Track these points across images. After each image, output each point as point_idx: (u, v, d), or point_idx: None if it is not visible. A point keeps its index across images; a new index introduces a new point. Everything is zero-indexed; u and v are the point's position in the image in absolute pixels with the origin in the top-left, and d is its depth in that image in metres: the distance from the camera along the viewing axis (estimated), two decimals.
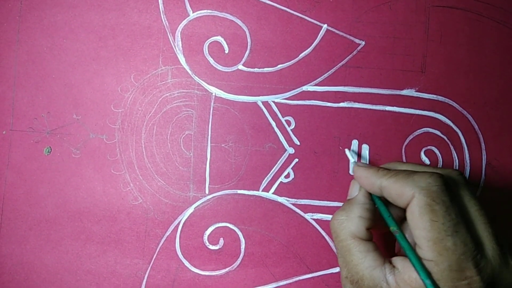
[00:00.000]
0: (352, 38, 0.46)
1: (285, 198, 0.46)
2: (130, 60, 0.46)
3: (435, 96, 0.45)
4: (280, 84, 0.46)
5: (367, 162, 0.46)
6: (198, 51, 0.46)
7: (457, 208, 0.33)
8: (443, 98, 0.45)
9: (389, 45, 0.46)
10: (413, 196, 0.33)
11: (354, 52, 0.46)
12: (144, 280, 0.45)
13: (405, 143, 0.45)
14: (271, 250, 0.45)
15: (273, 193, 0.46)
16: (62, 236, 0.46)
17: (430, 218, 0.32)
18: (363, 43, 0.46)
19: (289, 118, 0.46)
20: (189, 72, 0.46)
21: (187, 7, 0.46)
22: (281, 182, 0.46)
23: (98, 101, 0.46)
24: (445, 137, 0.45)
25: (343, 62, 0.46)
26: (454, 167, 0.45)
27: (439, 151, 0.45)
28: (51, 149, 0.46)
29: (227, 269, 0.45)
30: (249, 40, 0.46)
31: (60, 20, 0.46)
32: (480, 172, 0.45)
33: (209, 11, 0.46)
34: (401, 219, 0.38)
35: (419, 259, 0.33)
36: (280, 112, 0.46)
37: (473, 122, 0.45)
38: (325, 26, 0.46)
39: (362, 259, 0.35)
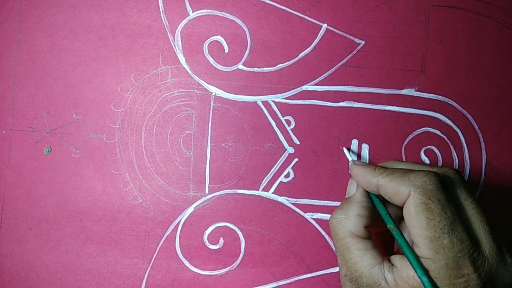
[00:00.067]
0: (352, 37, 0.46)
1: (285, 197, 0.46)
2: (130, 60, 0.46)
3: (435, 95, 0.46)
4: (280, 84, 0.46)
5: (367, 162, 0.46)
6: (198, 51, 0.46)
7: (454, 206, 0.33)
8: (443, 97, 0.46)
9: (389, 44, 0.46)
10: (409, 195, 0.34)
11: (354, 52, 0.46)
12: (144, 280, 0.46)
13: (405, 143, 0.46)
14: (271, 249, 0.46)
15: (273, 193, 0.46)
16: (62, 235, 0.46)
17: (426, 216, 0.33)
18: (363, 42, 0.46)
19: (289, 117, 0.46)
20: (189, 71, 0.46)
21: (187, 6, 0.46)
22: (281, 181, 0.46)
23: (98, 100, 0.46)
24: (445, 137, 0.46)
25: (343, 62, 0.46)
26: (454, 167, 0.46)
27: (439, 151, 0.46)
28: (51, 149, 0.47)
29: (227, 269, 0.46)
30: (249, 39, 0.46)
31: (60, 19, 0.47)
32: (480, 171, 0.46)
33: (209, 10, 0.46)
34: (400, 218, 0.38)
35: (416, 257, 0.33)
36: (280, 111, 0.46)
37: (473, 122, 0.46)
38: (325, 25, 0.46)
39: (360, 257, 0.36)
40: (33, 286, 0.46)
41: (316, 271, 0.46)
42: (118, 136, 0.47)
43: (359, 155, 0.46)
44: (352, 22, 0.46)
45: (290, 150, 0.46)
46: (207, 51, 0.46)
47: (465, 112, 0.46)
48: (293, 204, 0.46)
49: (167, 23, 0.47)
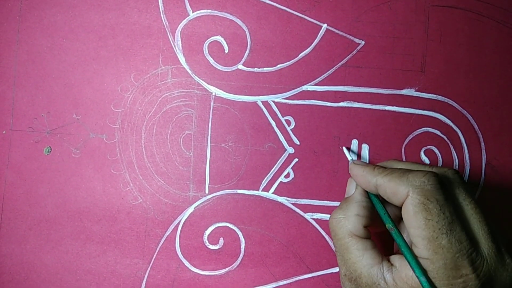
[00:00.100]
0: (351, 37, 0.46)
1: (285, 197, 0.46)
2: (130, 60, 0.47)
3: (434, 95, 0.46)
4: (280, 84, 0.46)
5: (367, 162, 0.46)
6: (198, 51, 0.47)
7: (452, 206, 0.34)
8: (443, 97, 0.46)
9: (388, 44, 0.46)
10: (407, 195, 0.34)
11: (354, 52, 0.46)
12: (144, 280, 0.46)
13: (405, 143, 0.46)
14: (271, 250, 0.46)
15: (273, 193, 0.46)
16: (62, 236, 0.46)
17: (424, 217, 0.33)
18: (363, 42, 0.46)
19: (289, 117, 0.46)
20: (189, 71, 0.47)
21: (187, 6, 0.47)
22: (281, 181, 0.46)
23: (98, 100, 0.47)
24: (445, 137, 0.46)
25: (342, 62, 0.46)
26: (454, 167, 0.46)
27: (439, 151, 0.46)
28: (51, 149, 0.47)
29: (227, 269, 0.46)
30: (249, 39, 0.47)
31: (60, 19, 0.47)
32: (480, 171, 0.46)
33: (209, 10, 0.47)
34: (399, 218, 0.39)
35: (415, 257, 0.34)
36: (280, 111, 0.46)
37: (472, 122, 0.46)
38: (324, 25, 0.46)
39: (360, 257, 0.36)
40: (33, 286, 0.46)
41: (316, 271, 0.46)
42: (118, 136, 0.47)
43: (359, 155, 0.46)
44: (352, 22, 0.46)
45: (290, 150, 0.47)
46: (207, 51, 0.47)
47: (465, 112, 0.46)
48: (293, 204, 0.46)
49: (167, 23, 0.47)
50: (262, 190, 0.47)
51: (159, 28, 0.47)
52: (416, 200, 0.33)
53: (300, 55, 0.47)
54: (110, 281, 0.46)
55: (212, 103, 0.47)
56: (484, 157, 0.46)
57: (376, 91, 0.46)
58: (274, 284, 0.46)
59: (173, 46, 0.47)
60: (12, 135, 0.47)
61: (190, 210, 0.47)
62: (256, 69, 0.47)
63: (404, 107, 0.46)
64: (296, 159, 0.47)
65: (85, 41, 0.47)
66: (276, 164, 0.47)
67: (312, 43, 0.47)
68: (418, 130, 0.46)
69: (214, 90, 0.47)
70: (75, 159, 0.47)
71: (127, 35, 0.47)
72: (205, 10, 0.47)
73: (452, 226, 0.33)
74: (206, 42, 0.47)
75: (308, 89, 0.47)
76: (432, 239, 0.32)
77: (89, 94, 0.47)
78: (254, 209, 0.46)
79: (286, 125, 0.47)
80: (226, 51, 0.47)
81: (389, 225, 0.37)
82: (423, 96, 0.46)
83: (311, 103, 0.47)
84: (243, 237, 0.46)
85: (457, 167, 0.46)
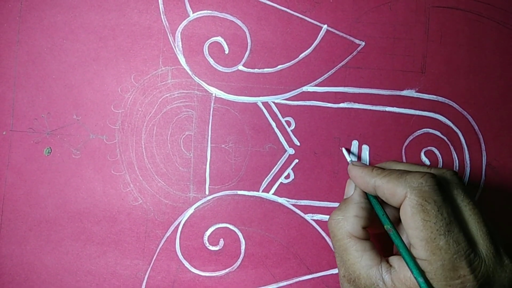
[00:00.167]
0: (352, 38, 0.47)
1: (285, 198, 0.47)
2: (130, 61, 0.47)
3: (435, 96, 0.46)
4: (280, 85, 0.47)
5: (367, 163, 0.47)
6: (198, 52, 0.47)
7: (450, 207, 0.34)
8: (443, 98, 0.46)
9: (389, 45, 0.46)
10: (405, 196, 0.34)
11: (354, 53, 0.47)
12: (144, 281, 0.47)
13: (405, 144, 0.46)
14: (271, 251, 0.46)
15: (273, 194, 0.47)
16: (62, 236, 0.47)
17: (422, 218, 0.33)
18: (363, 43, 0.47)
19: (289, 118, 0.47)
20: (189, 72, 0.47)
21: (187, 7, 0.47)
22: (281, 182, 0.47)
23: (98, 101, 0.47)
24: (445, 138, 0.46)
25: (343, 63, 0.47)
26: (454, 168, 0.46)
27: (439, 152, 0.46)
28: (51, 150, 0.47)
29: (227, 270, 0.46)
30: (249, 40, 0.47)
31: (60, 20, 0.47)
32: (480, 172, 0.46)
33: (209, 11, 0.47)
34: (398, 219, 0.39)
35: (413, 258, 0.34)
36: (280, 112, 0.47)
37: (473, 123, 0.46)
38: (325, 26, 0.47)
39: (358, 258, 0.36)
40: (33, 287, 0.47)
41: (316, 272, 0.46)
42: (118, 137, 0.47)
43: (359, 156, 0.47)
44: (352, 23, 0.47)
45: (290, 151, 0.47)
46: (207, 52, 0.47)
47: (465, 113, 0.46)
48: (293, 205, 0.47)
49: (167, 24, 0.47)
50: (262, 191, 0.47)
51: (159, 29, 0.47)
52: (413, 201, 0.34)
53: (301, 56, 0.47)
54: (110, 282, 0.47)
55: (212, 104, 0.47)
56: (484, 158, 0.46)
57: (376, 92, 0.47)
58: (274, 285, 0.46)
59: (173, 47, 0.47)
60: (12, 136, 0.47)
61: (190, 211, 0.47)
62: (256, 70, 0.47)
63: (405, 108, 0.47)
64: (297, 160, 0.47)
65: (85, 42, 0.47)
66: (277, 165, 0.47)
67: (312, 44, 0.47)
68: (418, 131, 0.46)
69: (214, 91, 0.47)
70: (75, 160, 0.47)
71: (127, 36, 0.47)
72: (205, 11, 0.47)
73: (450, 227, 0.33)
74: (206, 43, 0.47)
75: (309, 90, 0.47)
76: (430, 240, 0.33)
77: (89, 95, 0.47)
78: (254, 210, 0.47)
79: (286, 126, 0.47)
80: (226, 52, 0.47)
81: (387, 226, 0.37)
82: (424, 97, 0.46)
83: (312, 104, 0.47)
84: (243, 238, 0.47)
85: (457, 168, 0.46)
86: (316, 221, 0.47)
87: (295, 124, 0.47)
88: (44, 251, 0.47)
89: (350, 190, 0.41)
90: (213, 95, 0.47)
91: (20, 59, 0.47)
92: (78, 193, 0.47)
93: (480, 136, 0.46)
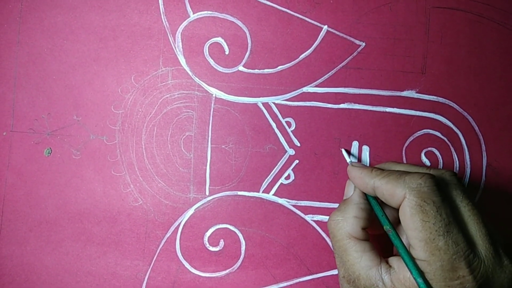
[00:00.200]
0: (352, 39, 0.47)
1: (286, 199, 0.47)
2: (131, 61, 0.47)
3: (435, 97, 0.47)
4: (281, 85, 0.47)
5: (368, 164, 0.47)
6: (199, 52, 0.47)
7: (449, 208, 0.34)
8: (444, 99, 0.46)
9: (389, 46, 0.47)
10: (404, 197, 0.34)
11: (355, 53, 0.47)
12: (145, 282, 0.47)
13: (406, 145, 0.47)
14: (271, 251, 0.47)
15: (273, 195, 0.47)
16: (62, 237, 0.47)
17: (421, 219, 0.33)
18: (364, 44, 0.47)
19: (290, 119, 0.47)
20: (190, 73, 0.47)
21: (187, 8, 0.47)
22: (281, 183, 0.47)
23: (99, 102, 0.47)
24: (445, 139, 0.47)
25: (343, 63, 0.47)
26: (455, 169, 0.47)
27: (440, 153, 0.47)
28: (51, 150, 0.47)
29: (227, 271, 0.47)
30: (249, 41, 0.47)
31: (60, 21, 0.47)
32: (480, 173, 0.46)
33: (209, 12, 0.47)
34: (398, 220, 0.39)
35: (412, 258, 0.34)
36: (280, 113, 0.47)
37: (473, 124, 0.46)
38: (325, 27, 0.47)
39: (358, 259, 0.36)
40: None
41: (316, 273, 0.47)
42: (119, 137, 0.47)
43: (359, 157, 0.47)
44: (353, 24, 0.47)
45: (291, 152, 0.47)
46: (207, 53, 0.47)
47: (465, 114, 0.47)
48: (293, 206, 0.47)
49: (167, 25, 0.47)
50: (263, 192, 0.47)
51: (159, 29, 0.47)
52: (412, 202, 0.34)
53: (301, 56, 0.47)
54: (111, 282, 0.47)
55: (212, 105, 0.47)
56: (484, 159, 0.47)
57: (376, 93, 0.47)
58: (275, 286, 0.47)
59: (174, 47, 0.47)
60: (12, 137, 0.47)
61: (190, 211, 0.47)
62: (256, 71, 0.47)
63: (405, 108, 0.47)
64: (297, 161, 0.47)
65: (86, 42, 0.47)
66: (277, 166, 0.47)
67: (312, 44, 0.47)
68: (418, 132, 0.47)
69: (215, 92, 0.47)
70: (75, 161, 0.47)
71: (127, 36, 0.47)
72: (205, 12, 0.47)
73: (449, 228, 0.33)
74: (206, 44, 0.47)
75: (309, 90, 0.47)
76: (429, 241, 0.33)
77: (89, 95, 0.47)
78: (255, 211, 0.47)
79: (286, 127, 0.47)
80: (227, 52, 0.47)
81: (386, 227, 0.37)
82: (424, 98, 0.47)
83: (312, 105, 0.47)
84: (244, 238, 0.47)
85: (457, 169, 0.47)
86: (316, 222, 0.47)
87: (296, 124, 0.47)
88: (44, 251, 0.47)
89: (350, 191, 0.41)
90: (213, 95, 0.47)
91: (21, 60, 0.48)
92: (78, 194, 0.47)
93: (481, 137, 0.47)
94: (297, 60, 0.47)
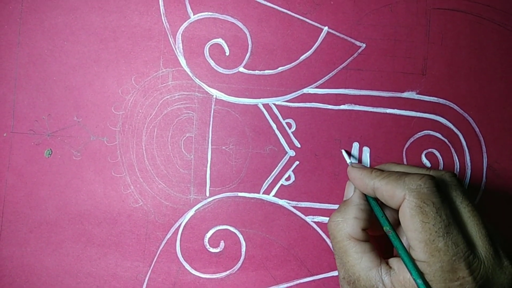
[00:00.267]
0: (352, 40, 0.47)
1: (286, 200, 0.47)
2: (131, 62, 0.47)
3: (436, 98, 0.47)
4: (281, 87, 0.47)
5: (368, 165, 0.47)
6: (199, 54, 0.47)
7: (449, 209, 0.34)
8: (444, 100, 0.47)
9: (390, 47, 0.47)
10: (404, 198, 0.35)
11: (355, 55, 0.47)
12: (145, 283, 0.47)
13: (406, 146, 0.47)
14: (271, 253, 0.47)
15: (273, 196, 0.47)
16: (62, 238, 0.47)
17: (421, 220, 0.34)
18: (364, 45, 0.47)
19: (290, 120, 0.47)
20: (190, 74, 0.47)
21: (188, 9, 0.47)
22: (281, 184, 0.47)
23: (99, 103, 0.47)
24: (446, 140, 0.47)
25: (343, 65, 0.47)
26: (455, 170, 0.47)
27: (440, 154, 0.47)
28: (51, 151, 0.47)
29: (227, 272, 0.47)
30: (249, 42, 0.47)
31: (61, 22, 0.48)
32: (481, 175, 0.47)
33: (209, 13, 0.47)
34: (398, 221, 0.39)
35: (412, 259, 0.34)
36: (280, 114, 0.47)
37: (474, 125, 0.47)
38: (325, 28, 0.47)
39: (358, 260, 0.37)
40: None
41: (317, 274, 0.47)
42: (119, 138, 0.47)
43: (360, 159, 0.47)
44: (353, 25, 0.47)
45: (291, 153, 0.47)
46: (208, 54, 0.47)
47: (466, 115, 0.47)
48: (294, 207, 0.47)
49: (168, 26, 0.47)
50: (263, 193, 0.47)
51: (160, 30, 0.47)
52: (412, 203, 0.34)
53: (301, 57, 0.47)
54: (111, 284, 0.47)
55: (213, 106, 0.47)
56: (485, 160, 0.47)
57: (377, 94, 0.47)
58: (275, 287, 0.47)
59: (174, 48, 0.47)
60: (13, 138, 0.48)
61: (190, 213, 0.47)
62: (257, 72, 0.47)
63: (405, 110, 0.47)
64: (297, 162, 0.47)
65: (86, 43, 0.48)
66: (277, 167, 0.47)
67: (313, 45, 0.47)
68: (419, 133, 0.47)
69: (215, 93, 0.47)
70: (75, 162, 0.47)
71: (128, 37, 0.48)
72: (206, 13, 0.47)
73: (448, 229, 0.33)
74: (207, 45, 0.47)
75: (309, 91, 0.47)
76: (429, 242, 0.33)
77: (90, 96, 0.47)
78: (255, 212, 0.47)
79: (287, 128, 0.47)
80: (227, 53, 0.47)
81: (386, 228, 0.37)
82: (424, 99, 0.47)
83: (312, 106, 0.47)
84: (244, 240, 0.47)
85: (458, 170, 0.47)
86: (316, 223, 0.47)
87: (296, 126, 0.47)
88: (44, 253, 0.47)
89: (350, 192, 0.41)
90: (214, 97, 0.47)
91: (21, 61, 0.48)
92: (79, 195, 0.47)
93: (481, 138, 0.47)
94: (297, 61, 0.47)
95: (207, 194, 0.48)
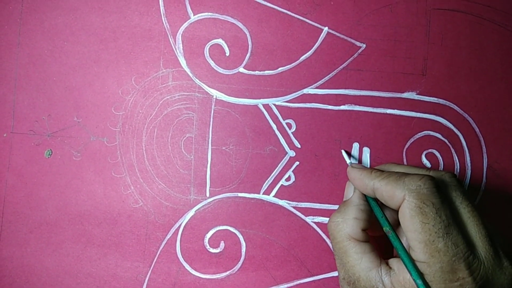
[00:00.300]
0: (353, 40, 0.47)
1: (286, 201, 0.47)
2: (131, 63, 0.47)
3: (436, 99, 0.47)
4: (281, 87, 0.47)
5: (368, 165, 0.47)
6: (199, 54, 0.47)
7: (449, 210, 0.34)
8: (444, 101, 0.47)
9: (390, 48, 0.47)
10: (403, 198, 0.35)
11: (355, 55, 0.47)
12: (145, 284, 0.47)
13: (406, 146, 0.47)
14: (271, 253, 0.47)
15: (274, 196, 0.47)
16: (62, 239, 0.47)
17: (420, 220, 0.34)
18: (364, 46, 0.47)
19: (290, 121, 0.47)
20: (190, 74, 0.47)
21: (188, 9, 0.47)
22: (282, 185, 0.47)
23: (99, 103, 0.47)
24: (446, 140, 0.47)
25: (344, 65, 0.47)
26: (455, 170, 0.47)
27: (440, 154, 0.47)
28: (51, 152, 0.48)
29: (227, 273, 0.47)
30: (250, 42, 0.47)
31: (61, 22, 0.48)
32: (481, 175, 0.47)
33: (210, 13, 0.47)
34: (397, 222, 0.39)
35: (412, 260, 0.34)
36: (281, 114, 0.47)
37: (474, 125, 0.47)
38: (325, 29, 0.47)
39: (358, 260, 0.37)
40: None
41: (317, 274, 0.47)
42: (119, 139, 0.48)
43: (360, 159, 0.47)
44: (353, 25, 0.47)
45: (291, 153, 0.47)
46: (208, 54, 0.47)
47: (466, 115, 0.47)
48: (294, 207, 0.47)
49: (168, 26, 0.47)
50: (263, 194, 0.47)
51: (160, 31, 0.48)
52: (412, 204, 0.34)
53: (301, 58, 0.47)
54: (111, 284, 0.47)
55: (213, 106, 0.47)
56: (485, 161, 0.47)
57: (377, 94, 0.47)
58: None
59: (174, 49, 0.47)
60: (13, 138, 0.48)
61: (191, 213, 0.47)
62: (257, 72, 0.47)
63: (405, 110, 0.47)
64: (297, 162, 0.47)
65: (86, 44, 0.48)
66: (277, 167, 0.47)
67: (313, 46, 0.47)
68: (419, 134, 0.47)
69: (215, 93, 0.47)
70: (76, 162, 0.48)
71: (128, 38, 0.48)
72: (206, 13, 0.48)
73: (448, 230, 0.33)
74: (207, 45, 0.47)
75: (309, 92, 0.47)
76: (429, 242, 0.33)
77: (90, 97, 0.48)
78: (255, 213, 0.47)
79: (287, 128, 0.47)
80: (227, 54, 0.47)
81: (386, 228, 0.37)
82: (424, 100, 0.47)
83: (312, 106, 0.47)
84: (244, 240, 0.47)
85: (458, 170, 0.47)
86: (316, 223, 0.47)
87: (296, 126, 0.47)
88: (44, 253, 0.47)
89: (350, 192, 0.42)
90: (214, 97, 0.48)
91: (21, 61, 0.48)
92: (79, 195, 0.47)
93: (481, 139, 0.47)
94: (297, 62, 0.47)
95: (207, 195, 0.48)
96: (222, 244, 0.47)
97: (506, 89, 0.47)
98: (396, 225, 0.40)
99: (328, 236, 0.47)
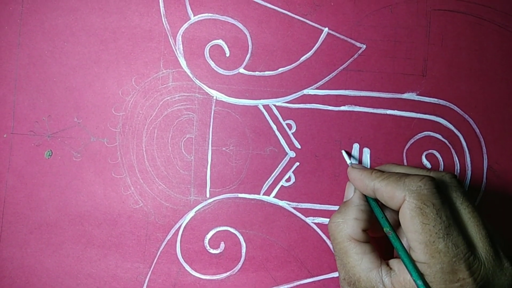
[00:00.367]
0: (353, 41, 0.47)
1: (286, 202, 0.47)
2: (131, 63, 0.47)
3: (436, 99, 0.47)
4: (281, 88, 0.47)
5: (368, 166, 0.47)
6: (199, 55, 0.47)
7: (449, 210, 0.34)
8: (444, 101, 0.47)
9: (390, 48, 0.47)
10: (404, 199, 0.35)
11: (355, 56, 0.47)
12: (145, 284, 0.47)
13: (406, 147, 0.47)
14: (272, 254, 0.47)
15: (274, 197, 0.47)
16: (62, 239, 0.47)
17: (421, 221, 0.34)
18: (364, 46, 0.47)
19: (290, 121, 0.47)
20: (190, 75, 0.47)
21: (188, 10, 0.47)
22: (282, 185, 0.47)
23: (99, 104, 0.47)
24: (446, 141, 0.47)
25: (344, 66, 0.47)
26: (456, 171, 0.47)
27: (440, 155, 0.47)
28: (52, 153, 0.48)
29: (228, 273, 0.47)
30: (250, 43, 0.47)
31: (61, 23, 0.48)
32: (481, 176, 0.47)
33: (210, 14, 0.47)
34: (398, 223, 0.39)
35: (412, 260, 0.34)
36: (281, 115, 0.47)
37: (474, 126, 0.47)
38: (326, 29, 0.47)
39: (358, 261, 0.37)
40: None
41: (317, 275, 0.47)
42: (119, 140, 0.48)
43: (360, 160, 0.47)
44: (353, 26, 0.47)
45: (291, 154, 0.47)
46: (208, 55, 0.47)
47: (466, 116, 0.47)
48: (294, 208, 0.47)
49: (168, 27, 0.48)
50: (263, 194, 0.47)
51: (160, 31, 0.48)
52: (412, 205, 0.34)
53: (301, 59, 0.47)
54: (111, 285, 0.47)
55: (213, 107, 0.48)
56: (485, 162, 0.47)
57: (377, 95, 0.47)
58: None
59: (174, 49, 0.48)
60: (13, 139, 0.48)
61: (191, 214, 0.47)
62: (257, 73, 0.47)
63: (406, 111, 0.47)
64: (297, 163, 0.47)
65: (86, 44, 0.48)
66: (277, 168, 0.47)
67: (313, 47, 0.47)
68: (419, 134, 0.47)
69: (215, 94, 0.48)
70: (76, 163, 0.48)
71: (128, 38, 0.48)
72: (206, 14, 0.48)
73: (449, 230, 0.33)
74: (207, 46, 0.48)
75: (309, 93, 0.47)
76: (429, 243, 0.33)
77: (90, 97, 0.48)
78: (255, 213, 0.47)
79: (287, 129, 0.47)
80: (227, 55, 0.47)
81: (386, 229, 0.37)
82: (425, 100, 0.47)
83: (312, 107, 0.47)
84: (244, 241, 0.47)
85: (458, 171, 0.47)
86: (317, 224, 0.47)
87: (296, 127, 0.47)
88: (44, 254, 0.47)
89: (350, 192, 0.42)
90: (214, 98, 0.48)
91: (21, 62, 0.48)
92: (79, 196, 0.47)
93: (481, 139, 0.47)
94: (297, 62, 0.47)
95: (207, 195, 0.48)
96: (222, 245, 0.47)
97: (506, 90, 0.47)
98: (396, 225, 0.40)
99: (328, 237, 0.47)
